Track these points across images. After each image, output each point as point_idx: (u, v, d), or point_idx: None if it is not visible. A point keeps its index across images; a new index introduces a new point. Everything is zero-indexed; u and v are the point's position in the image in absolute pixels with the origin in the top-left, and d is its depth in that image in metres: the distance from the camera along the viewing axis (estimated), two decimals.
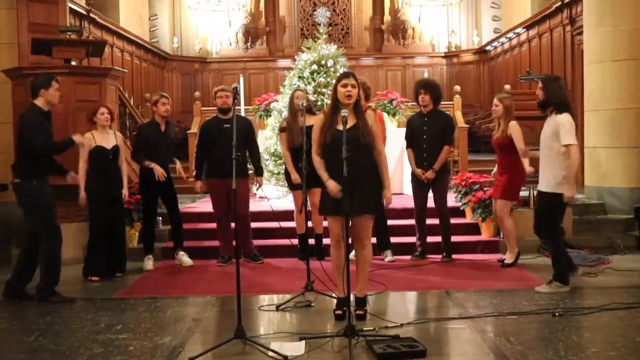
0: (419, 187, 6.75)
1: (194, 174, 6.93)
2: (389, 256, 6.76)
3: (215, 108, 7.01)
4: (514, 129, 6.27)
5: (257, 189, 7.06)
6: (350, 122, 4.56)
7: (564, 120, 5.37)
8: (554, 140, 5.41)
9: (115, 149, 6.35)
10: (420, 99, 6.65)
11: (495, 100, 6.46)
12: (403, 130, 7.96)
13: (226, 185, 6.38)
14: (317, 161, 4.73)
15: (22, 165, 5.49)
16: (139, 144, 6.79)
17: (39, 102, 5.50)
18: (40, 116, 5.47)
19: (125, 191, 6.47)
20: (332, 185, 4.53)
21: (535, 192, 7.38)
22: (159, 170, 6.55)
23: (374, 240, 6.64)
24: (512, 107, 6.40)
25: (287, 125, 6.59)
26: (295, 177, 6.53)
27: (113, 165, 6.34)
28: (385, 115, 9.32)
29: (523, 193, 7.12)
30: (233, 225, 6.63)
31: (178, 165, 6.90)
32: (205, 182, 6.78)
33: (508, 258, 6.53)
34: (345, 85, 4.64)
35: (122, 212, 6.61)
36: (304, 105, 6.20)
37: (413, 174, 6.78)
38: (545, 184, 5.52)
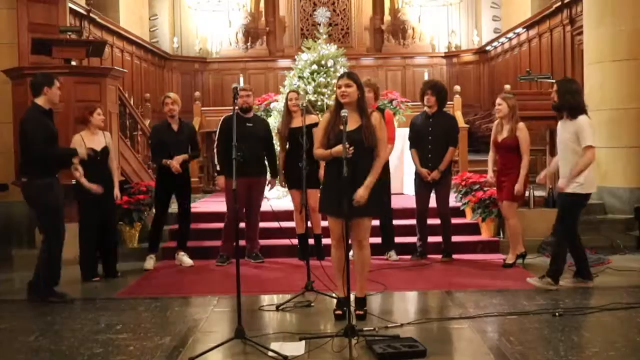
0: (422, 187, 6.75)
1: (217, 168, 6.91)
2: (393, 256, 6.78)
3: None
4: (523, 133, 6.27)
5: (270, 190, 7.12)
6: (355, 124, 4.57)
7: (583, 123, 5.46)
8: (574, 143, 5.48)
9: (105, 150, 6.32)
10: (427, 100, 6.67)
11: (499, 99, 6.43)
12: (403, 130, 7.98)
13: (244, 185, 6.38)
14: (320, 151, 4.72)
15: (29, 163, 5.45)
16: (154, 145, 6.83)
17: (40, 100, 5.48)
18: (43, 116, 5.44)
19: (116, 191, 6.45)
20: (339, 147, 4.47)
21: (534, 192, 7.43)
22: (173, 164, 6.56)
23: (378, 240, 6.69)
24: (517, 107, 6.39)
25: (279, 127, 6.71)
26: (281, 180, 6.78)
27: (102, 166, 6.28)
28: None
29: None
30: (242, 225, 6.67)
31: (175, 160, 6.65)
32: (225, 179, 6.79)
33: (509, 258, 6.53)
34: (339, 87, 4.66)
35: (114, 213, 6.59)
36: (304, 105, 6.23)
37: (416, 174, 6.78)
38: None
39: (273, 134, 7.14)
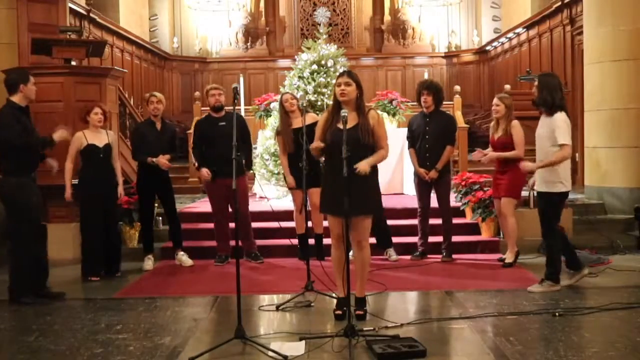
0: (422, 187, 6.76)
1: (195, 165, 6.86)
2: (393, 256, 6.78)
3: (207, 107, 7.02)
4: (517, 130, 6.33)
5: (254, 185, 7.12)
6: (352, 122, 4.57)
7: (559, 120, 5.39)
8: (549, 141, 5.44)
9: (107, 147, 6.34)
10: (423, 100, 6.66)
11: (496, 100, 6.49)
12: (403, 130, 7.98)
13: (224, 185, 6.39)
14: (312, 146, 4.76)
15: (5, 161, 5.41)
16: (137, 143, 6.78)
17: (16, 98, 5.43)
18: (17, 111, 5.39)
19: (120, 189, 6.46)
20: (315, 144, 4.62)
21: (534, 193, 7.43)
22: (162, 162, 6.55)
23: (373, 240, 6.68)
24: (513, 106, 6.45)
25: (281, 130, 6.64)
26: (290, 181, 6.58)
27: (105, 163, 6.32)
28: (384, 115, 9.32)
29: (523, 193, 7.12)
30: (232, 225, 6.65)
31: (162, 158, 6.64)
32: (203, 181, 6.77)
33: (508, 257, 6.54)
34: (339, 85, 4.66)
35: (116, 211, 6.59)
36: (304, 105, 6.23)
37: (416, 175, 6.79)
38: (541, 184, 5.56)
39: (275, 132, 7.13)
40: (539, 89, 5.50)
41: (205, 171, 6.64)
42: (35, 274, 5.56)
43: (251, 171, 7.03)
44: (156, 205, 7.04)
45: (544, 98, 5.45)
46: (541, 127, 5.56)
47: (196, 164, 6.84)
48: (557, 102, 5.44)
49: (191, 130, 10.45)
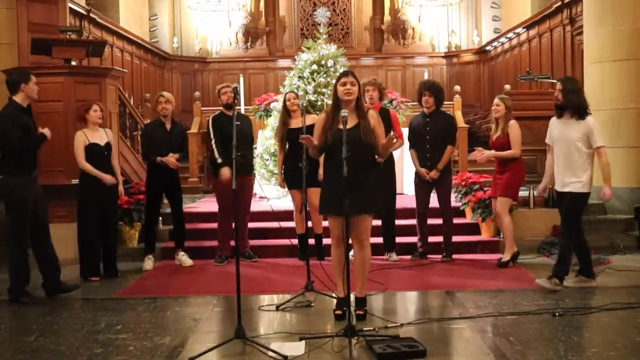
0: (422, 187, 6.77)
1: (219, 160, 6.63)
2: (393, 256, 6.79)
3: (215, 107, 7.04)
4: (514, 129, 6.35)
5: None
6: (352, 122, 4.57)
7: (593, 125, 5.52)
8: (582, 143, 5.50)
9: (108, 145, 6.33)
10: (424, 100, 6.69)
11: (497, 101, 6.51)
12: (403, 130, 7.98)
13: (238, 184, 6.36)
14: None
15: (6, 161, 5.40)
16: (146, 142, 6.82)
17: (18, 97, 5.42)
18: (18, 112, 5.39)
19: (121, 188, 6.46)
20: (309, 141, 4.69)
21: (535, 192, 7.43)
22: (171, 161, 6.56)
23: (379, 240, 6.69)
24: (512, 107, 6.49)
25: (277, 128, 6.70)
26: (280, 181, 6.71)
27: (107, 162, 6.30)
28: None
29: (523, 193, 7.13)
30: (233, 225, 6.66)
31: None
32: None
33: (505, 256, 6.54)
34: (344, 84, 4.65)
35: (116, 211, 6.58)
36: (304, 105, 6.24)
37: (416, 174, 6.80)
38: (568, 184, 5.58)
39: (272, 134, 7.17)
40: (565, 92, 5.55)
41: (226, 171, 6.49)
42: (50, 274, 5.57)
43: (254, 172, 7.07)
44: None
45: (573, 101, 5.53)
46: (568, 131, 5.56)
47: (219, 160, 6.61)
48: (586, 104, 5.56)
49: (192, 130, 10.53)
